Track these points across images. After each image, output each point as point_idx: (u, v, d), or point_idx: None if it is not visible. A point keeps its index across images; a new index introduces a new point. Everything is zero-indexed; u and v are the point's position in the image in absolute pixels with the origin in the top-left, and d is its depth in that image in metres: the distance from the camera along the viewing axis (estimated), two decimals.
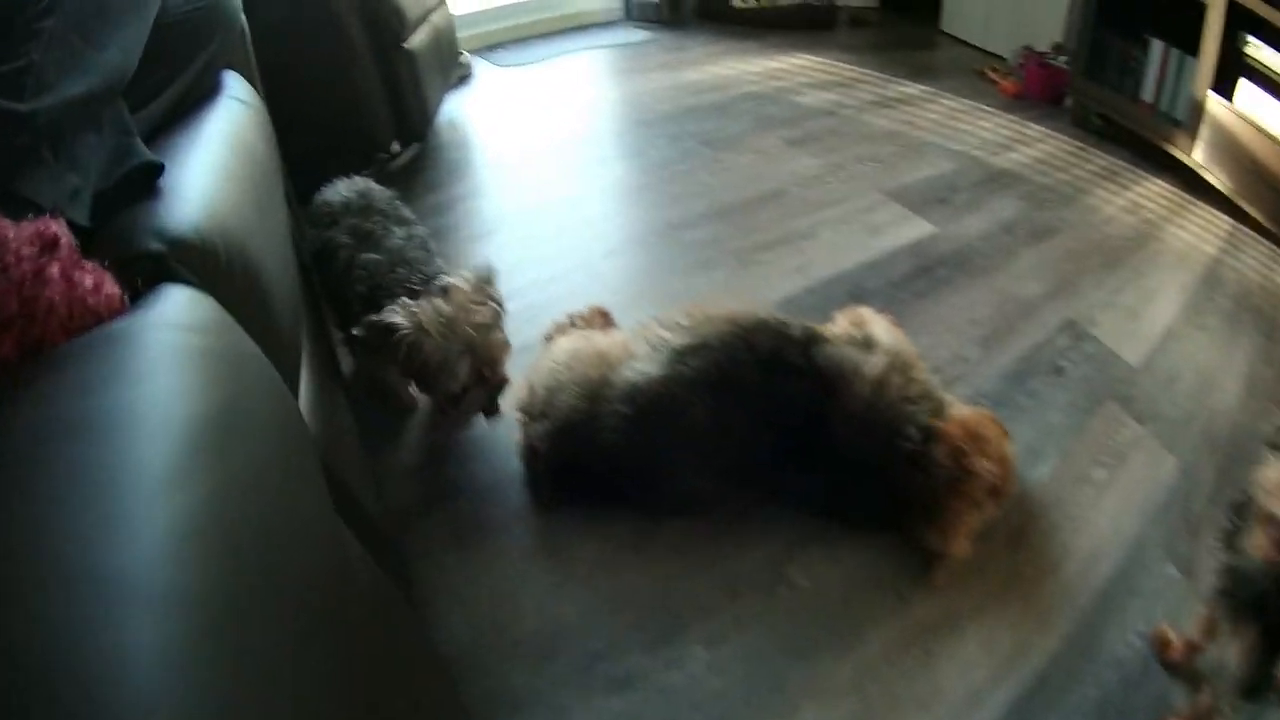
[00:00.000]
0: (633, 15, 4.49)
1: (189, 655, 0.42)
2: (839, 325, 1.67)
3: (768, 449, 1.45)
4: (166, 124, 1.13)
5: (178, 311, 0.69)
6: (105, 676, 0.39)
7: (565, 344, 1.60)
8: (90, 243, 0.80)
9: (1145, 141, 2.91)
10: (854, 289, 2.15)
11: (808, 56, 3.97)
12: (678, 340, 1.48)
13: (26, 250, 0.66)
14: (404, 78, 2.54)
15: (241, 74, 1.44)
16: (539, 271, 2.21)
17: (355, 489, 1.15)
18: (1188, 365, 1.92)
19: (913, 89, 3.58)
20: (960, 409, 1.52)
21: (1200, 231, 2.51)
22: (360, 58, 2.39)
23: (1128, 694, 1.24)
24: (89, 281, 0.68)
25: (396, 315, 1.38)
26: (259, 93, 1.50)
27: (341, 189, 1.67)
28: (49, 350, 0.64)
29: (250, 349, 0.72)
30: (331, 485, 0.77)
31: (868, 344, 1.53)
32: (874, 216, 2.52)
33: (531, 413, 1.53)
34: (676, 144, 3.01)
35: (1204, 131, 2.61)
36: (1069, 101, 3.35)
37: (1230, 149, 2.52)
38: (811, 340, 1.50)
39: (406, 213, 1.69)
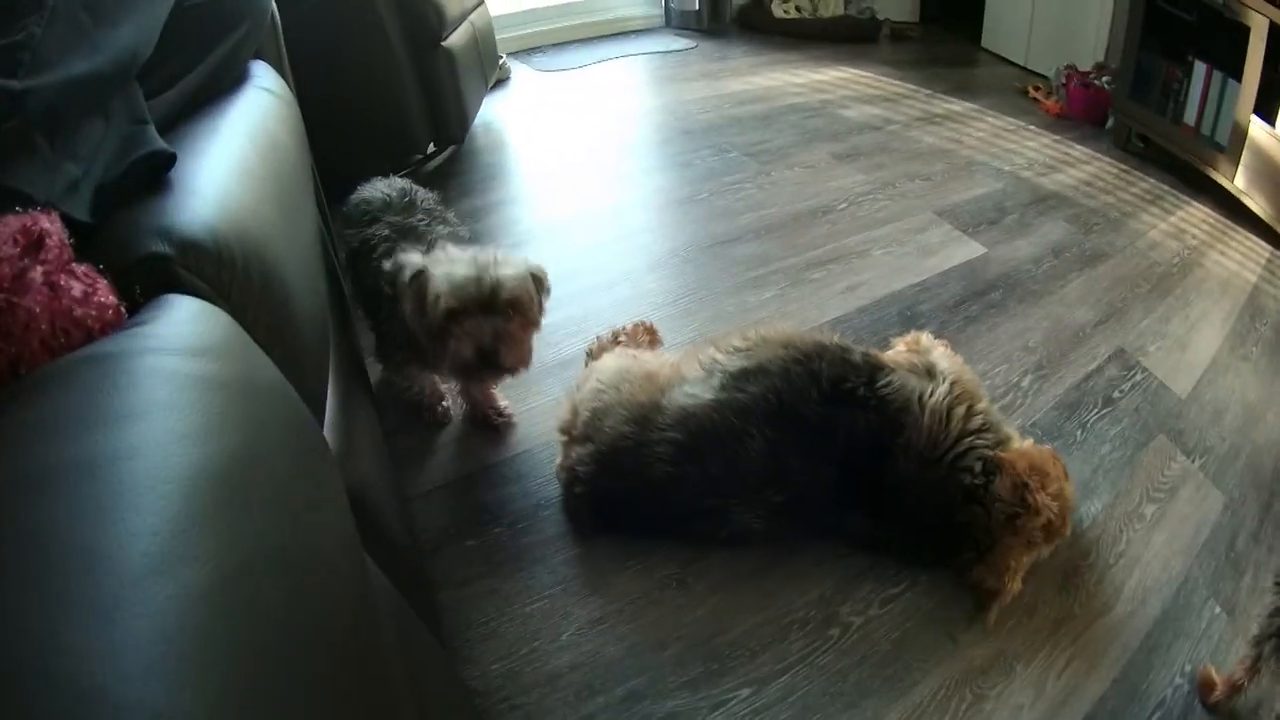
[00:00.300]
0: (673, 23, 4.50)
1: None
2: (898, 351, 1.66)
3: (825, 484, 1.38)
4: (184, 113, 1.03)
5: (183, 328, 0.57)
6: None
7: (611, 363, 1.54)
8: (92, 243, 0.70)
9: (1186, 165, 2.90)
10: (906, 311, 2.11)
11: (850, 69, 3.97)
12: (733, 363, 1.44)
13: (6, 250, 0.56)
14: (442, 77, 2.49)
15: (271, 64, 1.36)
16: (579, 283, 2.14)
17: (382, 513, 1.07)
18: (1233, 397, 1.90)
19: (957, 106, 3.58)
20: (1021, 443, 1.46)
21: (1241, 259, 2.50)
22: (397, 54, 2.35)
23: None
24: (77, 289, 0.56)
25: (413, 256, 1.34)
26: (290, 86, 1.40)
27: (382, 187, 1.63)
28: (26, 371, 0.53)
29: (270, 375, 0.60)
30: (356, 511, 0.67)
31: (929, 372, 1.49)
32: (925, 236, 2.49)
33: (573, 434, 1.47)
34: (721, 155, 2.95)
35: (1245, 156, 2.57)
36: (1111, 123, 3.34)
37: (1271, 175, 2.49)
38: (875, 368, 1.45)
39: (450, 216, 1.65)
